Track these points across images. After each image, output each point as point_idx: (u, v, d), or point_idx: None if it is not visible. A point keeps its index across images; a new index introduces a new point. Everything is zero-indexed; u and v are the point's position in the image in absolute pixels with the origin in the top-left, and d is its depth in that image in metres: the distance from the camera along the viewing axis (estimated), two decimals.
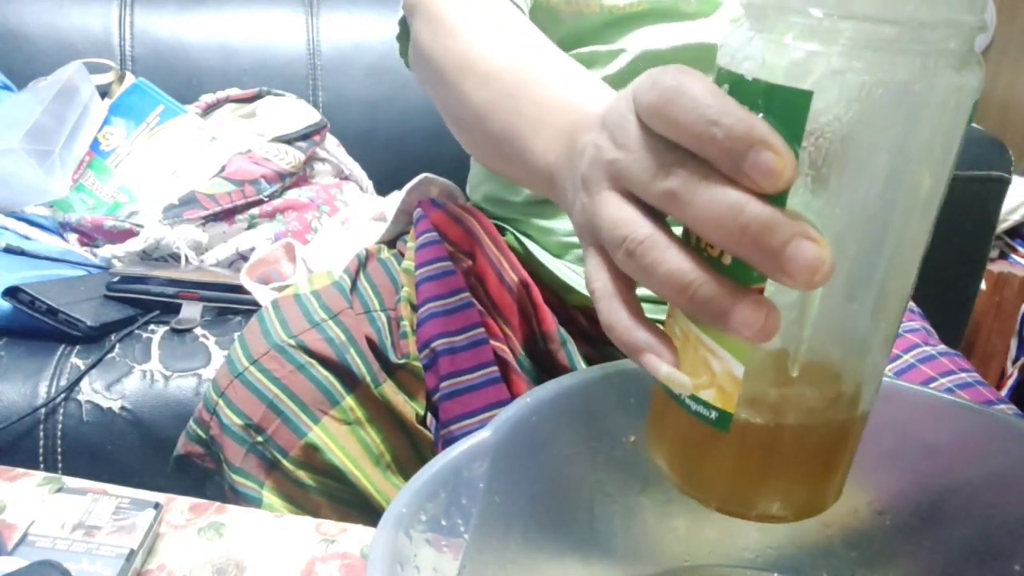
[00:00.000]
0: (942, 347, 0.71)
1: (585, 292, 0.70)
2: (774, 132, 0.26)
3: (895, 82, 0.26)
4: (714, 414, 0.30)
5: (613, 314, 0.32)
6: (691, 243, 0.30)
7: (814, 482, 0.33)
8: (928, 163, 0.28)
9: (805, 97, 0.26)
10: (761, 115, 0.27)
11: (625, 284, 0.32)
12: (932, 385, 0.64)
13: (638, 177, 0.30)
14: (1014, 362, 1.66)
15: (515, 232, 0.75)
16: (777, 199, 0.27)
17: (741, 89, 0.28)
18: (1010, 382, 1.65)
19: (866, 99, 0.26)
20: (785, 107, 0.27)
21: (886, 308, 0.30)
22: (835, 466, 0.33)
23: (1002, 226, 1.65)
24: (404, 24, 0.67)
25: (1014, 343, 1.66)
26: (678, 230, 0.31)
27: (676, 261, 0.29)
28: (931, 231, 0.30)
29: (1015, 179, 1.28)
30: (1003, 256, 1.69)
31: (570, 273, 0.72)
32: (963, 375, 0.66)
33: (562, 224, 0.72)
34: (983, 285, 1.50)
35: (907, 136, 0.27)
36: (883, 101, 0.26)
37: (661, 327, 0.32)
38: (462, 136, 0.56)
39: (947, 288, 1.29)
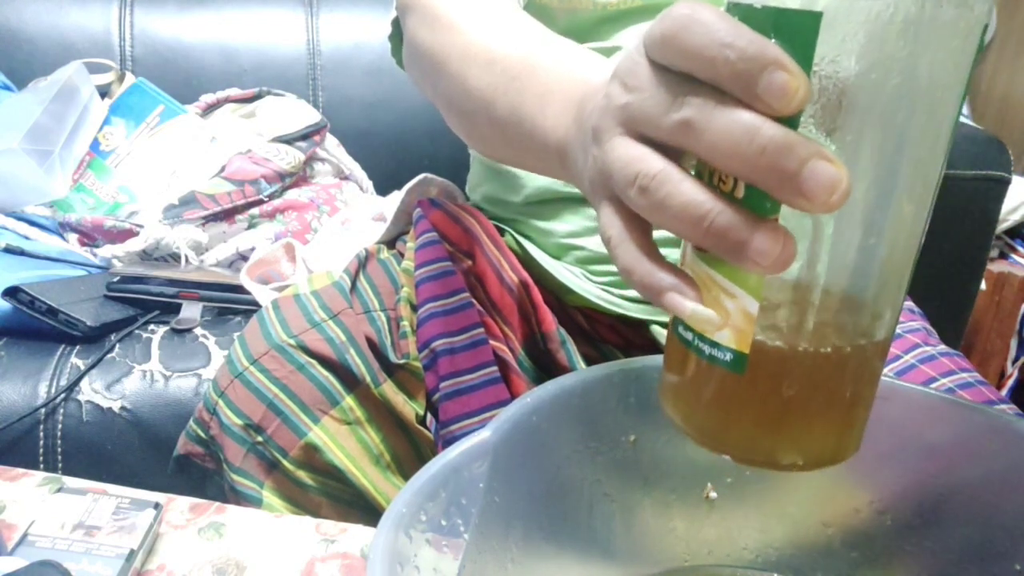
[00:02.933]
0: (942, 347, 0.70)
1: (584, 293, 0.71)
2: (786, 54, 0.26)
3: (905, 4, 0.26)
4: (729, 355, 0.30)
5: (631, 257, 0.32)
6: (704, 180, 0.30)
7: (831, 425, 0.32)
8: (938, 89, 0.28)
9: (814, 19, 0.26)
10: (772, 40, 0.27)
11: (640, 228, 0.32)
12: (933, 385, 0.64)
13: (650, 113, 0.30)
14: (1014, 362, 1.66)
15: (514, 233, 0.75)
16: (790, 123, 0.27)
17: (751, 18, 0.28)
18: (1010, 382, 1.65)
19: (875, 22, 0.26)
20: (795, 31, 0.27)
21: (901, 238, 0.30)
22: (853, 408, 0.32)
23: (1002, 226, 1.65)
24: (396, 25, 0.67)
25: (1014, 343, 1.66)
26: None
27: (691, 193, 0.28)
28: (943, 164, 0.30)
29: (1015, 179, 1.28)
30: (1003, 256, 1.69)
31: (568, 275, 0.72)
32: (964, 375, 0.66)
33: (561, 226, 0.72)
34: (983, 285, 1.50)
35: (916, 60, 0.27)
36: (892, 24, 0.26)
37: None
38: (465, 127, 0.56)
39: (947, 288, 1.29)
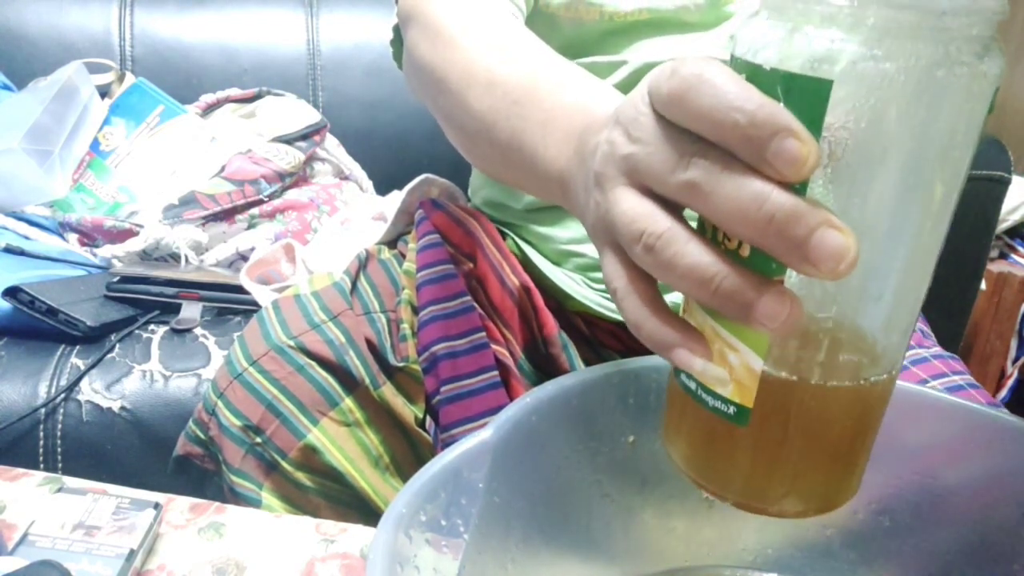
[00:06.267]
0: (936, 349, 0.70)
1: (583, 299, 0.71)
2: (796, 120, 0.26)
3: (917, 69, 0.26)
4: (732, 409, 0.30)
5: (638, 312, 0.31)
6: (708, 236, 0.29)
7: (834, 474, 0.32)
8: (948, 151, 0.28)
9: (826, 86, 0.26)
10: (781, 104, 0.27)
11: (646, 280, 0.32)
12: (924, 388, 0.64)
13: (655, 169, 0.30)
14: (1014, 362, 1.66)
15: (515, 238, 0.75)
16: (798, 187, 0.27)
17: (759, 79, 0.27)
18: (1010, 382, 1.66)
19: (887, 87, 0.26)
20: (805, 96, 0.26)
21: (904, 296, 0.30)
22: (853, 456, 0.33)
23: (1002, 226, 1.65)
24: (398, 31, 0.67)
25: (1014, 343, 1.66)
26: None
27: (697, 254, 0.28)
28: (951, 219, 0.30)
29: (1015, 179, 1.28)
30: (1003, 256, 1.69)
31: (569, 281, 0.72)
32: (955, 378, 0.66)
33: (562, 232, 0.72)
34: (983, 285, 1.50)
35: (928, 123, 0.27)
36: (905, 89, 0.26)
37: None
38: (465, 146, 0.55)
39: (947, 288, 1.29)
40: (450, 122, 0.55)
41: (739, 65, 0.29)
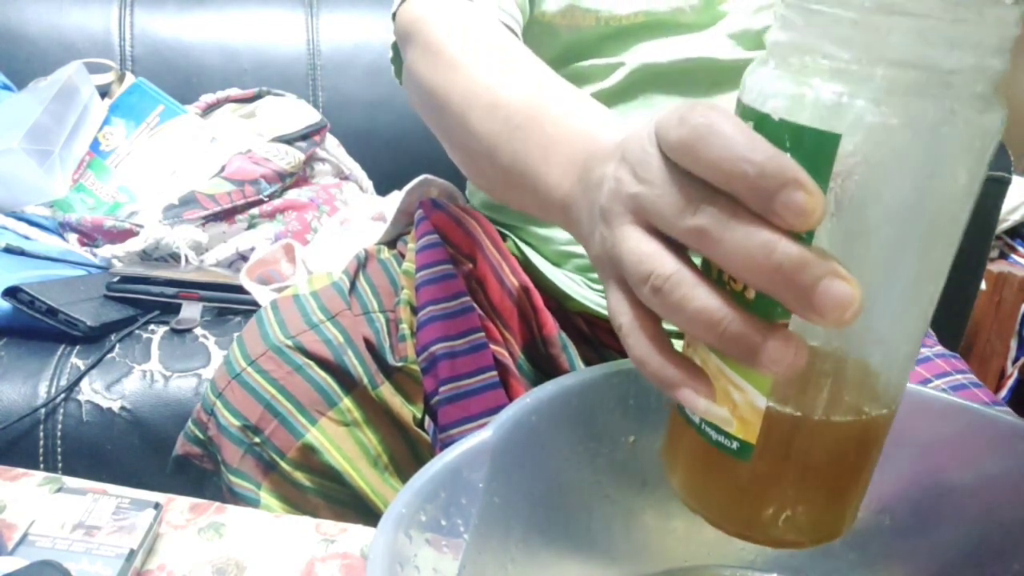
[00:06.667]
0: (939, 348, 0.70)
1: (583, 300, 0.71)
2: (804, 172, 0.26)
3: (923, 125, 0.26)
4: (735, 444, 0.31)
5: (643, 350, 0.32)
6: (712, 276, 0.30)
7: (830, 505, 0.33)
8: (951, 202, 0.28)
9: (833, 139, 0.26)
10: (788, 155, 0.27)
11: (651, 318, 0.32)
12: (927, 387, 0.64)
13: (663, 212, 0.30)
14: (1014, 362, 1.66)
15: (515, 239, 0.75)
16: (804, 237, 0.27)
17: (766, 128, 0.28)
18: (1010, 382, 1.65)
19: (893, 141, 0.27)
20: (813, 148, 0.27)
21: (904, 338, 0.31)
22: (852, 488, 0.33)
23: (1002, 226, 1.65)
24: (397, 47, 0.66)
25: (1014, 343, 1.66)
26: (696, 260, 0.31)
27: (704, 299, 0.28)
28: (950, 264, 0.30)
29: (1015, 179, 1.28)
30: (1003, 256, 1.69)
31: (569, 282, 0.71)
32: (958, 376, 0.66)
33: (561, 233, 0.72)
34: (983, 285, 1.50)
35: (932, 177, 0.27)
36: (910, 143, 0.27)
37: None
38: (467, 166, 0.55)
39: (947, 288, 1.29)
40: (452, 142, 0.55)
41: (747, 113, 0.29)
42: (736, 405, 0.30)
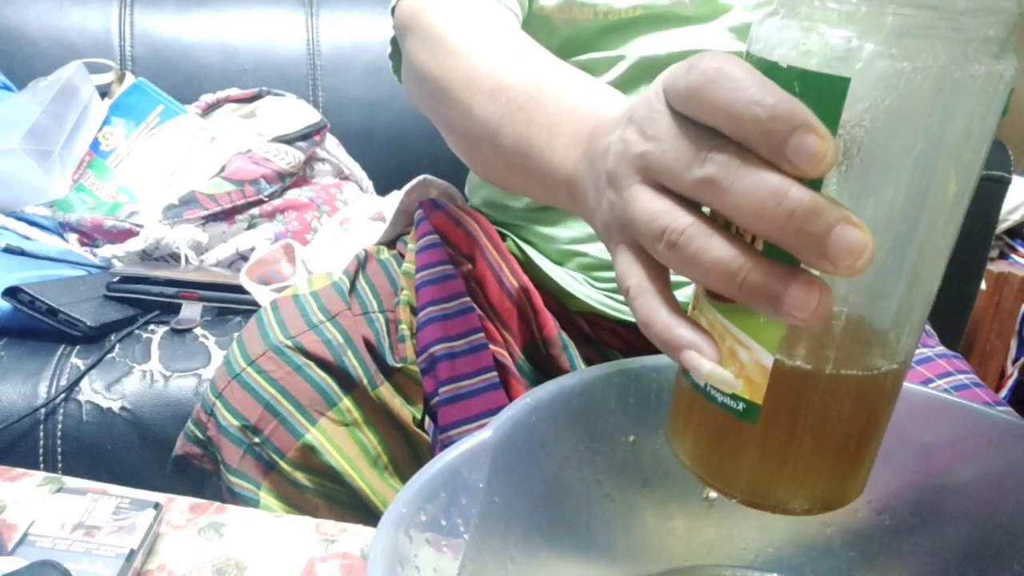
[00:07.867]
0: (940, 348, 0.70)
1: (586, 299, 0.71)
2: (815, 116, 0.26)
3: (934, 69, 0.26)
4: (742, 405, 0.30)
5: (650, 311, 0.31)
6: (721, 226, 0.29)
7: (842, 470, 0.32)
8: (962, 150, 0.28)
9: (842, 84, 0.26)
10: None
11: (661, 280, 0.32)
12: (929, 387, 0.64)
13: (671, 166, 0.30)
14: (1014, 362, 1.66)
15: (515, 238, 0.75)
16: (814, 184, 0.27)
17: (776, 76, 0.27)
18: (1010, 382, 1.65)
19: (904, 86, 0.26)
20: (821, 94, 0.26)
21: (915, 292, 0.30)
22: (861, 453, 0.32)
23: (1002, 226, 1.65)
24: (396, 43, 0.66)
25: (1014, 343, 1.66)
26: None
27: (721, 249, 0.28)
28: (962, 217, 0.30)
29: (1015, 179, 1.28)
30: (1003, 256, 1.69)
31: (571, 281, 0.71)
32: (960, 376, 0.66)
33: (563, 231, 0.72)
34: (983, 285, 1.50)
35: (943, 123, 0.27)
36: (921, 88, 0.26)
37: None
38: (469, 153, 0.55)
39: (947, 288, 1.29)
40: (453, 130, 0.55)
41: (755, 63, 0.29)
42: (743, 365, 0.30)
